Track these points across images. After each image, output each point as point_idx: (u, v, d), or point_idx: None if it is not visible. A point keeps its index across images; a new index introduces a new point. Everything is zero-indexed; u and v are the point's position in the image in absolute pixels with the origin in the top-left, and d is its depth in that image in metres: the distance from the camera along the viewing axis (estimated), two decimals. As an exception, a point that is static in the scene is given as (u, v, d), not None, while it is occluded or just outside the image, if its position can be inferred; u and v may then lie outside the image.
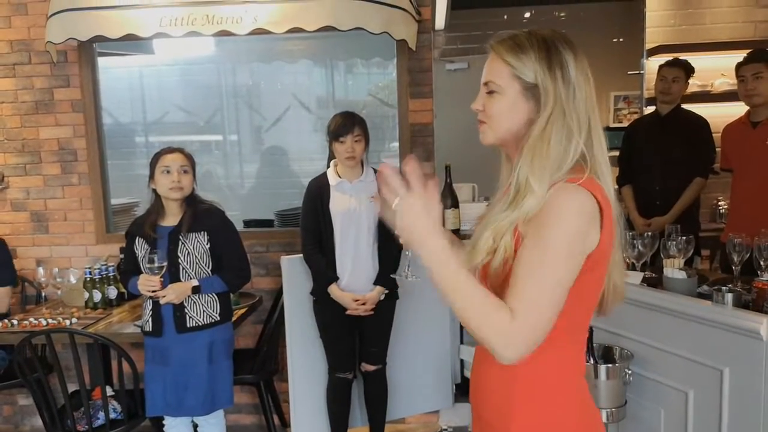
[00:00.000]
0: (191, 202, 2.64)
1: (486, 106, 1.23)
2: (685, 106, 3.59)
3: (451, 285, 1.10)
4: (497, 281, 1.17)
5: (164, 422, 2.72)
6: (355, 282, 2.84)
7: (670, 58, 3.65)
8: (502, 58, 1.20)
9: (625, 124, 5.09)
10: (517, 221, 1.15)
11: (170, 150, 2.62)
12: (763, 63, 3.01)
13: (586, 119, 1.19)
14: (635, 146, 3.64)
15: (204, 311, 2.61)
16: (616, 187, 3.71)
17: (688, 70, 3.54)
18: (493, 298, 1.10)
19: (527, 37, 1.20)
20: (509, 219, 1.16)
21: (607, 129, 5.19)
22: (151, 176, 2.59)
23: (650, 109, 3.99)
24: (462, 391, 3.46)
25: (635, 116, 4.95)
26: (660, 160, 3.48)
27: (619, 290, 1.29)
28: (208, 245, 2.62)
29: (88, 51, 3.49)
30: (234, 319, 2.85)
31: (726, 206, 4.12)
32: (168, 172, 2.55)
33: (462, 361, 3.46)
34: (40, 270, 3.32)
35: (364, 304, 2.81)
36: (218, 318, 2.64)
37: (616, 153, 3.76)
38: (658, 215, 3.44)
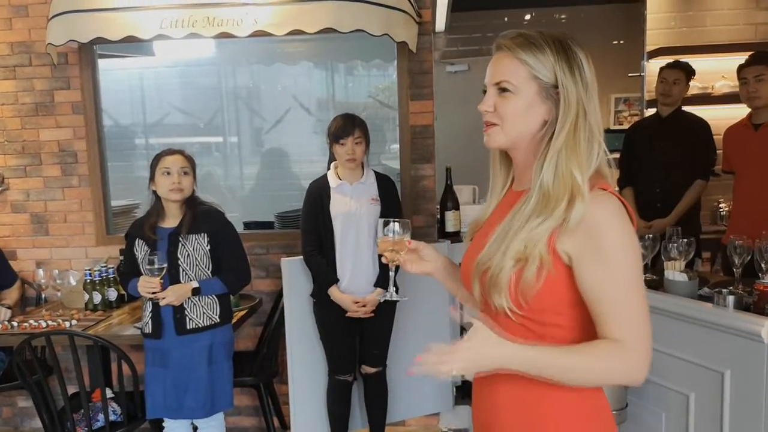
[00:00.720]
0: (191, 203, 2.64)
1: (498, 107, 1.18)
2: (685, 108, 3.59)
3: (556, 371, 1.10)
4: (527, 289, 1.13)
5: (164, 424, 2.72)
6: (356, 284, 2.83)
7: (671, 61, 3.65)
8: (518, 57, 1.15)
9: (626, 126, 5.09)
10: (555, 229, 1.11)
11: (171, 152, 2.62)
12: (765, 65, 3.01)
13: (600, 121, 1.18)
14: (636, 148, 3.64)
15: (204, 313, 2.61)
16: (617, 189, 3.71)
17: (689, 72, 3.54)
18: (594, 346, 1.11)
19: (541, 36, 1.16)
20: (544, 227, 1.11)
21: (608, 131, 5.19)
22: (152, 178, 2.59)
23: (651, 112, 4.00)
24: (462, 393, 3.45)
25: (636, 118, 4.95)
26: (661, 163, 3.48)
27: None
28: (208, 247, 2.61)
29: (88, 53, 3.49)
30: (234, 320, 2.84)
31: (727, 208, 4.11)
32: (168, 173, 2.55)
33: (462, 363, 3.45)
34: (40, 272, 3.31)
35: (364, 306, 2.81)
36: (218, 320, 2.64)
37: (617, 155, 3.75)
38: (659, 218, 3.44)
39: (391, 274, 1.49)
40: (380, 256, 1.44)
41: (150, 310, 2.60)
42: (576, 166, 1.12)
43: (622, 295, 1.10)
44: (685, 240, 2.42)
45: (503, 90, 1.17)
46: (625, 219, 1.13)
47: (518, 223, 1.15)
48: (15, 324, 2.95)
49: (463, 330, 3.43)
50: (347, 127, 2.75)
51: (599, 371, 1.11)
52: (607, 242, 1.09)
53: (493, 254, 1.17)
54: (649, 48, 4.36)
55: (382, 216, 2.81)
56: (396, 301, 2.92)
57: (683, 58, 3.70)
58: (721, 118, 3.60)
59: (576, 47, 1.17)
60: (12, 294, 3.31)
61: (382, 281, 2.83)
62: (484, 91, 1.22)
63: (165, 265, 2.46)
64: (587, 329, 1.15)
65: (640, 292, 1.12)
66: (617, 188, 3.67)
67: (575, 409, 1.19)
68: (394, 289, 1.54)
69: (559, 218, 1.11)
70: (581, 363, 1.10)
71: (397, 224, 1.41)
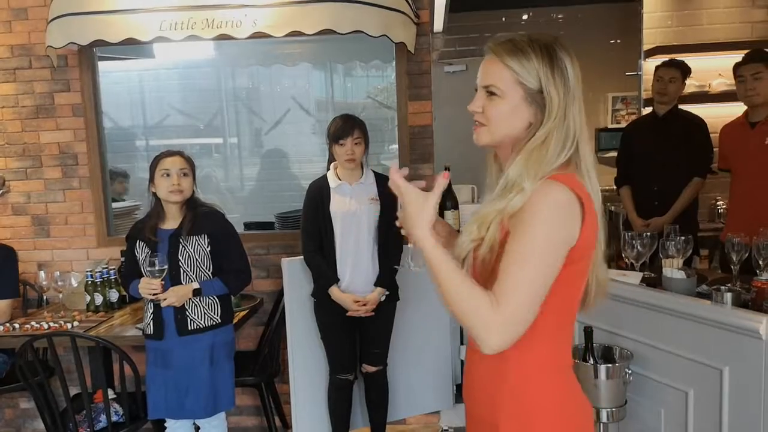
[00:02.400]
0: (191, 205, 2.65)
1: (486, 109, 1.24)
2: (682, 106, 3.60)
3: (441, 272, 1.16)
4: (486, 271, 1.21)
5: (166, 425, 2.73)
6: (356, 283, 2.85)
7: (667, 59, 3.67)
8: (504, 63, 1.21)
9: (623, 125, 5.10)
10: (503, 214, 1.19)
11: (170, 153, 2.63)
12: (763, 63, 3.01)
13: (581, 125, 1.22)
14: (633, 147, 3.65)
15: (205, 314, 2.62)
16: (614, 187, 3.73)
17: (685, 70, 3.55)
18: (478, 287, 1.15)
19: (528, 42, 1.21)
20: (494, 208, 1.20)
21: (606, 130, 5.21)
22: (151, 179, 2.60)
23: (648, 110, 4.01)
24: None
25: (633, 117, 4.97)
26: (658, 161, 3.50)
27: (602, 285, 1.33)
28: (209, 248, 2.62)
29: (88, 55, 3.50)
30: (235, 321, 2.85)
31: (724, 206, 4.13)
32: (168, 175, 2.56)
33: (462, 362, 3.46)
34: (42, 274, 3.32)
35: (364, 305, 2.83)
36: (219, 320, 2.65)
37: (615, 154, 3.77)
38: (657, 216, 3.45)
39: (410, 246, 1.42)
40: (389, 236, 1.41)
41: (151, 311, 2.61)
42: (539, 166, 1.18)
43: (514, 267, 1.14)
44: (683, 238, 2.43)
45: (491, 93, 1.23)
46: (557, 205, 1.16)
47: (483, 205, 1.25)
48: (17, 326, 2.96)
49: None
50: (347, 127, 2.77)
51: (463, 307, 1.14)
52: (527, 223, 1.15)
53: (462, 237, 1.26)
54: (646, 47, 4.37)
55: (382, 216, 2.83)
56: (396, 301, 2.94)
57: (680, 57, 3.71)
58: (718, 116, 3.62)
59: (562, 52, 1.21)
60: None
61: (381, 280, 2.85)
62: (477, 90, 1.27)
63: (166, 267, 2.48)
64: (555, 306, 1.19)
65: (534, 274, 1.14)
66: (614, 186, 3.72)
67: (537, 387, 1.24)
68: (412, 261, 1.50)
69: (504, 204, 1.18)
70: (455, 288, 1.15)
71: None
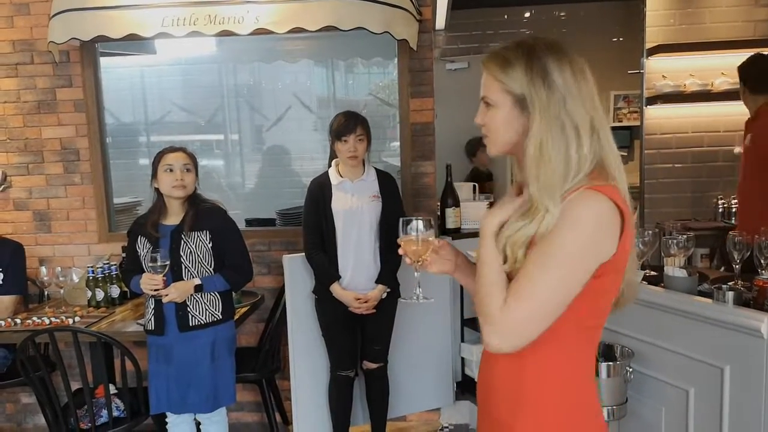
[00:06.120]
0: (194, 201, 2.65)
1: (486, 120, 1.26)
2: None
3: (482, 259, 1.19)
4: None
5: (167, 420, 2.74)
6: (357, 280, 2.85)
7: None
8: (492, 74, 1.22)
9: (626, 123, 5.09)
10: (534, 236, 1.16)
11: (173, 149, 2.63)
12: (739, 79, 3.02)
13: (587, 122, 1.17)
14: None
15: (206, 310, 2.62)
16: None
17: None
18: (501, 286, 1.16)
19: (514, 49, 1.21)
20: (525, 232, 1.17)
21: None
22: (154, 175, 2.61)
23: (651, 109, 3.97)
24: (463, 389, 3.47)
25: (635, 116, 4.95)
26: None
27: (633, 287, 1.32)
28: (210, 244, 2.63)
29: (90, 51, 3.50)
30: (236, 317, 2.85)
31: (725, 204, 4.11)
32: (171, 170, 2.56)
33: (463, 359, 3.47)
34: (43, 269, 3.33)
35: (366, 302, 2.83)
36: (220, 316, 2.65)
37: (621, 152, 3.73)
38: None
39: (417, 275, 1.38)
40: (388, 256, 1.36)
41: (153, 306, 2.61)
42: (551, 179, 1.15)
43: (535, 270, 1.12)
44: (685, 236, 2.43)
45: (488, 104, 1.25)
46: (598, 220, 1.13)
47: (509, 223, 1.22)
48: (18, 321, 2.97)
49: (465, 323, 3.45)
50: (350, 124, 2.77)
51: (480, 298, 1.18)
52: (559, 232, 1.13)
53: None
54: (648, 45, 4.35)
55: (384, 213, 2.83)
56: (398, 297, 2.93)
57: (682, 56, 3.68)
58: (720, 114, 3.61)
59: (543, 52, 1.18)
60: (3, 302, 3.17)
61: (383, 277, 2.84)
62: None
63: (167, 263, 2.48)
64: (580, 317, 1.18)
65: (553, 282, 1.12)
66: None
67: (557, 394, 1.22)
68: (420, 291, 1.42)
69: (534, 227, 1.16)
70: (486, 276, 1.18)
71: (420, 222, 1.31)
